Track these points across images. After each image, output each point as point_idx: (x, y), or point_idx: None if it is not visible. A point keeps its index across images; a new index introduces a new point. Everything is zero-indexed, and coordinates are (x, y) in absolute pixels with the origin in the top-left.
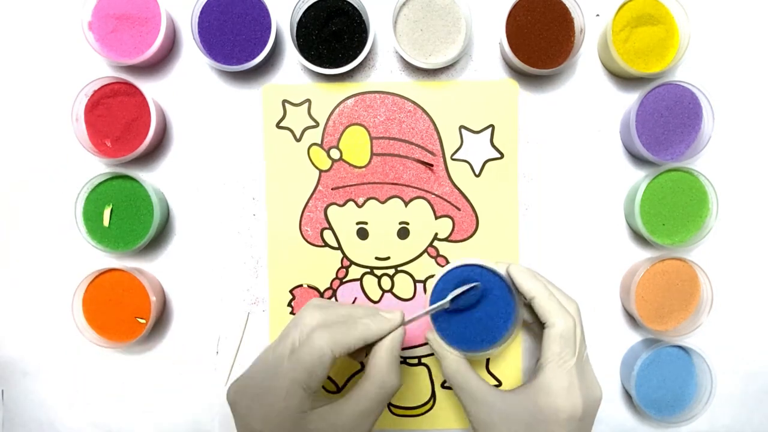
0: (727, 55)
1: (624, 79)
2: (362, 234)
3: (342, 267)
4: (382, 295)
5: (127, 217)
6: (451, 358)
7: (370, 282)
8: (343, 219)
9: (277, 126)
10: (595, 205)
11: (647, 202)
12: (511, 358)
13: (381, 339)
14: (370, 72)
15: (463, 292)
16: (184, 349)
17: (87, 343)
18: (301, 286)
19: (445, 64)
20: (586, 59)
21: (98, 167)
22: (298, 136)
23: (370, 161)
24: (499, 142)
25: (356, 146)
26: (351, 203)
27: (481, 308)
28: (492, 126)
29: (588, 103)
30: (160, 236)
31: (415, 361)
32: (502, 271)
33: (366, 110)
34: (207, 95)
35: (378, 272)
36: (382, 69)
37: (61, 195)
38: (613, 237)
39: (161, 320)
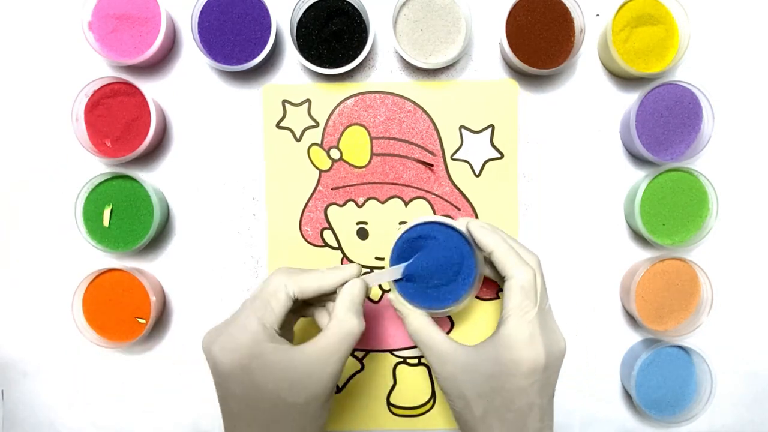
0: (727, 55)
1: (624, 79)
2: (362, 234)
3: None
4: (381, 295)
5: (127, 217)
6: (414, 314)
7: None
8: (343, 219)
9: (277, 126)
10: (595, 205)
11: (647, 202)
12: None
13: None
14: (370, 72)
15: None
16: (184, 349)
17: (87, 343)
18: None
19: (445, 64)
20: (586, 59)
21: (98, 167)
22: (298, 136)
23: (370, 161)
24: (499, 142)
25: (356, 146)
26: (351, 203)
27: (441, 260)
28: (492, 126)
29: (588, 103)
30: (160, 236)
31: (415, 361)
32: (461, 227)
33: (366, 110)
34: (207, 95)
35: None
36: (382, 69)
37: (61, 195)
38: (613, 237)
39: (161, 320)
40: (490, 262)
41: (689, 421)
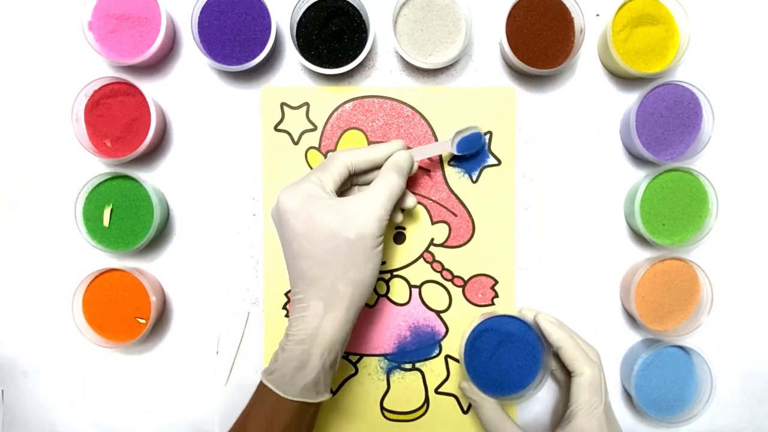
0: (727, 55)
1: (624, 79)
2: None
3: None
4: (377, 300)
5: (127, 217)
6: (487, 405)
7: None
8: None
9: (275, 129)
10: (595, 205)
11: (647, 202)
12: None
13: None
14: (370, 72)
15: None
16: (184, 349)
17: (87, 343)
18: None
19: (445, 64)
20: (586, 59)
21: (98, 167)
22: (295, 140)
23: None
24: (496, 148)
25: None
26: None
27: (511, 355)
28: (490, 133)
29: (588, 103)
30: (160, 236)
31: (409, 366)
32: (529, 319)
33: (364, 114)
34: (207, 95)
35: None
36: (382, 69)
37: (61, 195)
38: (613, 237)
39: (161, 320)
40: (555, 354)
41: (689, 421)
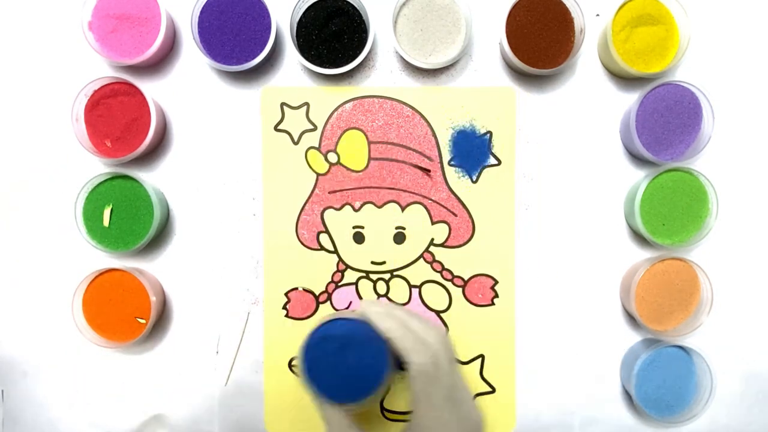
0: (727, 55)
1: (624, 79)
2: (358, 238)
3: (338, 271)
4: (377, 299)
5: (127, 217)
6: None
7: (365, 286)
8: (340, 223)
9: (275, 129)
10: (595, 205)
11: (647, 202)
12: (505, 363)
13: None
14: (370, 72)
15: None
16: (184, 349)
17: (87, 343)
18: (296, 289)
19: (445, 64)
20: (586, 59)
21: (98, 167)
22: (295, 139)
23: (367, 165)
24: (496, 148)
25: (354, 150)
26: (348, 207)
27: (353, 357)
28: (490, 133)
29: (588, 103)
30: (160, 236)
31: None
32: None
33: (364, 114)
34: (207, 95)
35: (373, 276)
36: (382, 69)
37: (61, 195)
38: (613, 237)
39: (161, 320)
40: None
41: (689, 421)
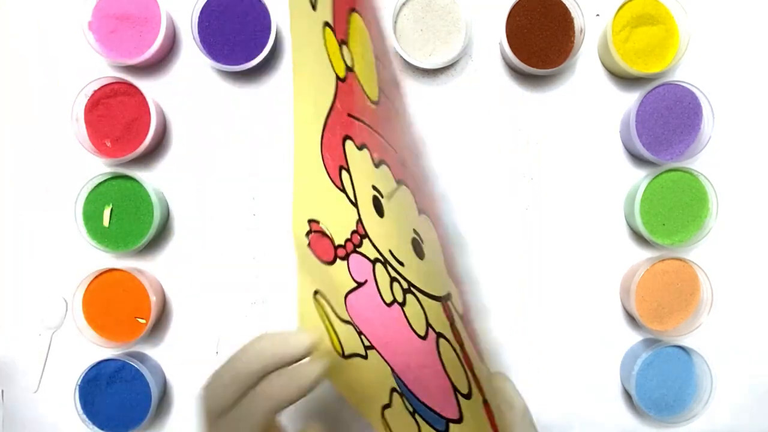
0: (727, 55)
1: (624, 79)
2: (378, 207)
3: (356, 232)
4: (393, 302)
5: (127, 217)
6: None
7: (382, 274)
8: (360, 169)
9: None
10: (595, 205)
11: (647, 202)
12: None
13: None
14: None
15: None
16: (183, 349)
17: (87, 343)
18: (318, 223)
19: (445, 64)
20: (586, 59)
21: (98, 167)
22: (313, 1)
23: (379, 99)
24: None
25: (363, 60)
26: (366, 151)
27: (121, 389)
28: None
29: (588, 103)
30: (160, 236)
31: (411, 409)
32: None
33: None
34: (207, 95)
35: (392, 272)
36: None
37: (61, 195)
38: (613, 237)
39: (161, 320)
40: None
41: (689, 421)
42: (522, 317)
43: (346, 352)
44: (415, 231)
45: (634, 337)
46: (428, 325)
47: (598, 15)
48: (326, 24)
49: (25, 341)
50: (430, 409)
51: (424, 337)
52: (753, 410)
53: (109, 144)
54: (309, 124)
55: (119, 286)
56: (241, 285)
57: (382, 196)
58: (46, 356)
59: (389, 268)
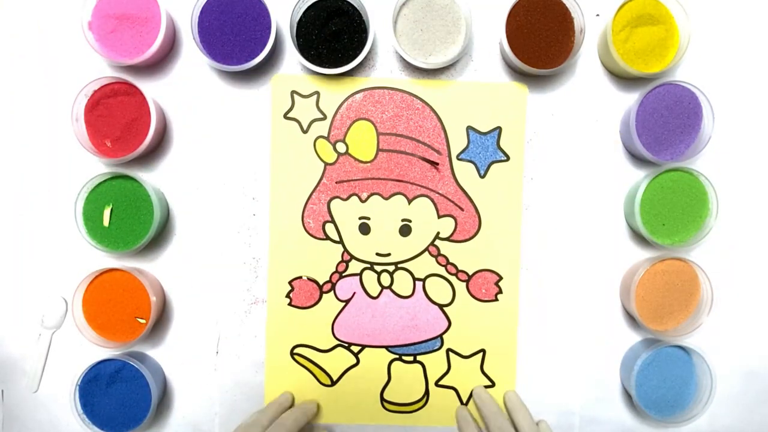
0: (727, 55)
1: (624, 79)
2: (364, 229)
3: (342, 261)
4: (381, 291)
5: (127, 217)
6: None
7: (369, 278)
8: (346, 213)
9: (285, 116)
10: (595, 205)
11: (647, 202)
12: (506, 359)
13: None
14: (370, 72)
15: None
16: (184, 349)
17: (87, 343)
18: (300, 278)
19: (445, 64)
20: (586, 59)
21: (98, 167)
22: (304, 128)
23: (375, 157)
24: (505, 144)
25: (363, 141)
26: (354, 198)
27: (121, 389)
28: (499, 128)
29: (588, 104)
30: (160, 236)
31: (411, 358)
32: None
33: (374, 105)
34: (207, 95)
35: (378, 268)
36: (382, 69)
37: (61, 195)
38: (613, 237)
39: (161, 320)
40: None
41: (689, 421)
42: (522, 317)
43: (335, 377)
44: (404, 219)
45: (634, 337)
46: (414, 280)
47: (598, 15)
48: (319, 137)
49: (25, 341)
50: (425, 342)
51: (410, 296)
52: (753, 410)
53: (109, 144)
54: (287, 209)
55: (119, 286)
56: (241, 285)
57: (369, 219)
58: (46, 356)
59: (376, 267)
